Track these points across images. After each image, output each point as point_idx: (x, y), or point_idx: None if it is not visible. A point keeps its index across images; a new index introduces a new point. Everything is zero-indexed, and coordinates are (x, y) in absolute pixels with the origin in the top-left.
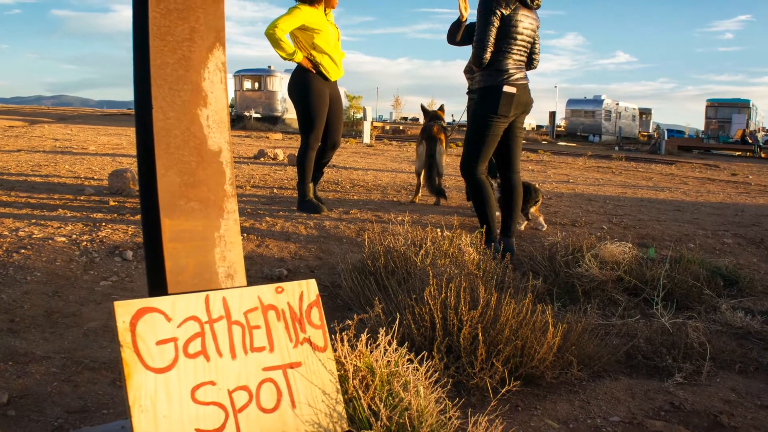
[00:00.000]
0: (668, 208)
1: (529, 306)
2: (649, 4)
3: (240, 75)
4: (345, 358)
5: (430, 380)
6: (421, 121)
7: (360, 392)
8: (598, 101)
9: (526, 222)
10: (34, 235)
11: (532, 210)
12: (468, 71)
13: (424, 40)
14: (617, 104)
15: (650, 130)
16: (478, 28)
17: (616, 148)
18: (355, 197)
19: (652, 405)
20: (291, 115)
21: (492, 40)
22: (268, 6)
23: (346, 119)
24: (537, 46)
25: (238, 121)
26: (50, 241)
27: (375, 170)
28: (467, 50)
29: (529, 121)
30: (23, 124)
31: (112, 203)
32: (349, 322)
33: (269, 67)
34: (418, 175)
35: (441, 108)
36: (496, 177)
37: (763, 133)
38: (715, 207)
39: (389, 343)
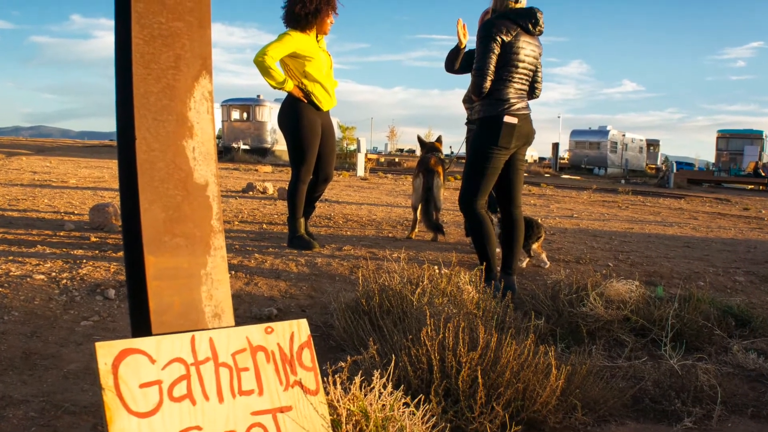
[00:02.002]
0: (677, 245)
1: (531, 347)
2: (657, 30)
3: (227, 105)
4: (338, 401)
5: (428, 425)
6: (418, 153)
7: None
8: (603, 132)
9: (528, 259)
10: (11, 273)
11: (534, 246)
12: (467, 101)
13: (421, 68)
14: (623, 135)
15: (658, 163)
16: (477, 56)
17: (623, 181)
18: (348, 233)
19: None
20: (281, 146)
21: (492, 68)
22: (257, 32)
23: (339, 151)
24: (539, 74)
25: (225, 152)
26: (28, 279)
27: (369, 204)
28: (466, 79)
29: (531, 153)
30: (0, 156)
31: (93, 239)
32: (342, 364)
33: (258, 96)
34: (415, 209)
35: (439, 139)
36: (496, 212)
37: None
38: (727, 243)
39: (384, 386)
